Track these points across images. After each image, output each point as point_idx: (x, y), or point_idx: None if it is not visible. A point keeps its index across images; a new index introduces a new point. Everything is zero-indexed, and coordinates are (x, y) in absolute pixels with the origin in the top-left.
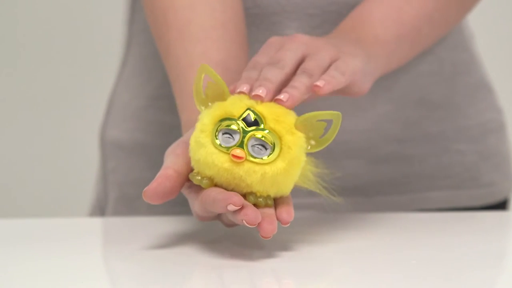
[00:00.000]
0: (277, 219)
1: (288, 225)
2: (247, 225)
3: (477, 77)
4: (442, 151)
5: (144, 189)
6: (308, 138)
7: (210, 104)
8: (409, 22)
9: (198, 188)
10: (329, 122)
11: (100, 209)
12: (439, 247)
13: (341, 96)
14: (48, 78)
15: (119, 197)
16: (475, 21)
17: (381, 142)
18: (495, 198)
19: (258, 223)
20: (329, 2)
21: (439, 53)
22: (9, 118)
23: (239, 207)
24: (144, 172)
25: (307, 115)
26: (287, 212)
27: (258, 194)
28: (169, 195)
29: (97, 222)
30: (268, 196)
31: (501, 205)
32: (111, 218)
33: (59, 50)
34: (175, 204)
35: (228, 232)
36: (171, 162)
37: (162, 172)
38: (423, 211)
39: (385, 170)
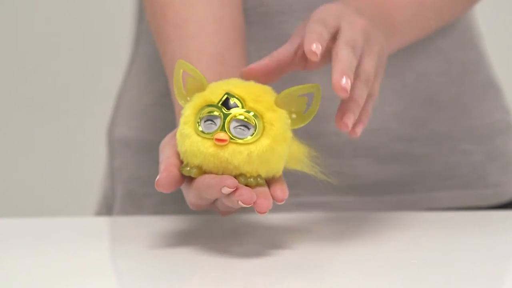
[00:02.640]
0: (272, 197)
1: (283, 202)
2: (243, 205)
3: (485, 77)
4: (449, 151)
5: (156, 180)
6: (290, 114)
7: (189, 99)
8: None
9: (191, 178)
10: (310, 96)
11: (107, 207)
12: (445, 246)
13: None
14: (57, 75)
15: (125, 195)
16: (484, 20)
17: (389, 141)
18: (503, 199)
19: (254, 202)
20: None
21: (447, 53)
22: (16, 116)
23: (234, 189)
24: (151, 169)
25: (286, 91)
26: (281, 190)
27: (248, 175)
28: (179, 182)
29: (104, 221)
30: (259, 175)
31: (509, 205)
32: (118, 217)
33: (68, 46)
34: (179, 202)
35: (232, 230)
36: (171, 153)
37: (167, 162)
38: (430, 211)
39: (392, 169)
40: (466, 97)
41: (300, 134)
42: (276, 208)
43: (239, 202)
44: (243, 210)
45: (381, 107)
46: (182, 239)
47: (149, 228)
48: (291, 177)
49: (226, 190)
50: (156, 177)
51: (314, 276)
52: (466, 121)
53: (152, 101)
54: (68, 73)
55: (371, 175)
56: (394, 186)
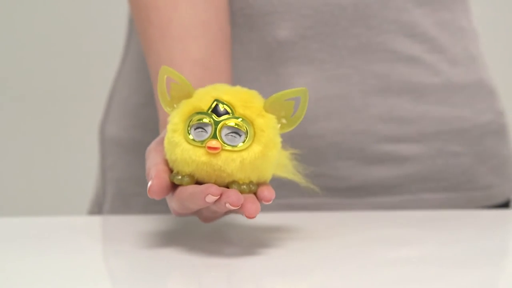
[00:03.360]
0: (259, 198)
1: (270, 202)
2: (230, 207)
3: (476, 78)
4: (437, 153)
5: (148, 187)
6: (279, 118)
7: (175, 105)
8: None
9: (174, 186)
10: (297, 100)
11: (98, 205)
12: (436, 244)
13: (333, 98)
14: (49, 74)
15: (116, 194)
16: (481, 21)
17: (374, 143)
18: (494, 201)
19: (241, 206)
20: (322, 2)
21: (436, 53)
22: (8, 115)
23: (218, 197)
24: (141, 169)
25: (274, 96)
26: (268, 190)
27: (241, 182)
28: (170, 189)
29: (94, 220)
30: (251, 182)
31: (501, 208)
32: (107, 216)
33: (60, 46)
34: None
35: (220, 230)
36: (158, 159)
37: (156, 168)
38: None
39: (378, 171)
40: (455, 98)
41: (284, 137)
42: (263, 209)
43: (227, 204)
44: (226, 215)
45: (366, 109)
46: (171, 238)
47: (138, 227)
48: (279, 179)
49: (210, 199)
50: (145, 177)
51: (297, 273)
52: (455, 122)
53: (143, 101)
54: (60, 72)
55: (357, 177)
56: (380, 188)
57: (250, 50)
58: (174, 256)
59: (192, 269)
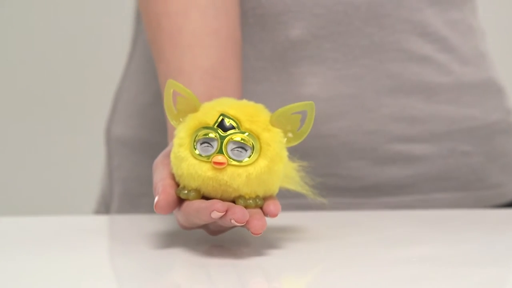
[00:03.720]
0: (265, 213)
1: (275, 217)
2: (236, 224)
3: (485, 77)
4: (447, 153)
5: (155, 203)
6: (285, 132)
7: (181, 119)
8: None
9: (181, 199)
10: (304, 113)
11: (105, 206)
12: (444, 244)
13: (345, 97)
14: (55, 74)
15: (123, 194)
16: (487, 20)
17: (386, 143)
18: (504, 199)
19: (248, 221)
20: (335, 1)
21: (447, 52)
22: (15, 115)
23: (223, 213)
24: (148, 169)
25: (281, 110)
26: (274, 205)
27: (247, 196)
28: (176, 204)
29: (102, 219)
30: (257, 196)
31: (509, 207)
32: (115, 216)
33: (67, 46)
34: None
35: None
36: (166, 173)
37: (164, 183)
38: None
39: (390, 171)
40: (465, 97)
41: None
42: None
43: (232, 221)
44: (233, 228)
45: (378, 108)
46: (178, 238)
47: (145, 227)
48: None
49: (216, 215)
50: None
51: (299, 271)
52: (465, 122)
53: (149, 101)
54: (67, 72)
55: (369, 177)
56: (392, 188)
57: (262, 49)
58: (181, 256)
59: (200, 268)
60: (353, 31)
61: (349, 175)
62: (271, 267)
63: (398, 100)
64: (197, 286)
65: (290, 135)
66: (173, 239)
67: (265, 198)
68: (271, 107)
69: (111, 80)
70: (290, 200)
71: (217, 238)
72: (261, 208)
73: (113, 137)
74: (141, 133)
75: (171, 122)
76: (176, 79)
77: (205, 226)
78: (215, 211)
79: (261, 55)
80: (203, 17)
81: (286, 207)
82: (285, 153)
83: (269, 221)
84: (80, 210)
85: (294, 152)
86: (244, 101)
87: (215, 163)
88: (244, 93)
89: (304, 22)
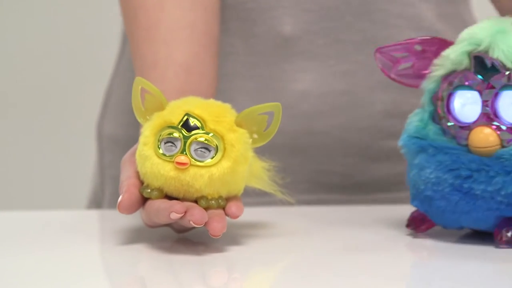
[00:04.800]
0: (226, 214)
1: (237, 219)
2: (194, 225)
3: None
4: None
5: (118, 202)
6: (251, 133)
7: (148, 117)
8: None
9: (145, 198)
10: (270, 114)
11: (96, 203)
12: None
13: (338, 93)
14: (47, 72)
15: (115, 192)
16: (482, 16)
17: (380, 139)
18: None
19: (207, 222)
20: None
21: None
22: (6, 112)
23: (182, 214)
24: None
25: (247, 110)
26: (236, 206)
27: (210, 197)
28: (141, 204)
29: (92, 214)
30: (220, 197)
31: None
32: (105, 211)
33: (58, 45)
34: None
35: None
36: (131, 171)
37: (128, 182)
38: None
39: (384, 167)
40: None
41: (289, 133)
42: (267, 203)
43: (191, 222)
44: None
45: (372, 105)
46: (168, 234)
47: (135, 223)
48: (281, 176)
49: (175, 216)
50: None
51: (261, 267)
52: None
53: None
54: (57, 70)
55: (362, 174)
56: (387, 184)
57: (254, 45)
58: (146, 251)
59: (164, 263)
60: (345, 27)
61: (342, 172)
62: (235, 261)
63: (391, 96)
64: (160, 279)
65: (255, 136)
66: (163, 235)
67: (228, 199)
68: (263, 103)
69: (102, 77)
70: (260, 198)
71: (202, 233)
72: (224, 208)
73: (104, 134)
74: (132, 131)
75: (138, 119)
76: (150, 74)
77: (169, 225)
78: (173, 212)
79: (253, 51)
80: (179, 10)
81: (256, 205)
82: (250, 154)
83: (237, 218)
84: (71, 208)
85: (285, 149)
86: (211, 101)
87: (177, 163)
88: (235, 89)
89: (295, 17)
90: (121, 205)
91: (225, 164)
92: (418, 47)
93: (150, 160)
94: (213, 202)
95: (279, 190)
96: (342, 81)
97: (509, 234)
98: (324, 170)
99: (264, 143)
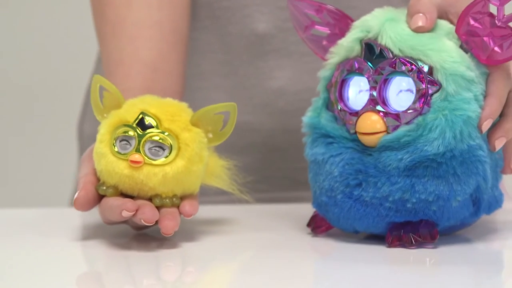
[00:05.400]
0: (180, 212)
1: (190, 217)
2: (145, 223)
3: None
4: None
5: (74, 198)
6: (207, 133)
7: (105, 115)
8: None
9: (102, 196)
10: (226, 114)
11: None
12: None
13: (314, 91)
14: (28, 71)
15: None
16: None
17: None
18: None
19: (160, 220)
20: None
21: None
22: None
23: (133, 212)
24: None
25: (202, 110)
26: (190, 205)
27: (164, 196)
28: (97, 201)
29: (73, 212)
30: (175, 195)
31: None
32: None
33: (38, 43)
34: None
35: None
36: (89, 169)
37: (85, 180)
38: None
39: None
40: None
41: (266, 131)
42: (229, 202)
43: (142, 220)
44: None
45: None
46: (120, 231)
47: (68, 220)
48: (259, 174)
49: (126, 214)
50: None
51: (215, 262)
52: None
53: None
54: (40, 70)
55: None
56: None
57: (229, 43)
58: (102, 248)
59: (119, 258)
60: None
61: None
62: (190, 256)
63: None
64: (116, 275)
65: (210, 135)
66: (97, 231)
67: (183, 197)
68: (239, 101)
69: (82, 77)
70: (259, 194)
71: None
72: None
73: (85, 134)
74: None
75: (97, 117)
76: (115, 71)
77: (125, 222)
78: (125, 210)
79: (228, 49)
80: (146, 8)
81: (217, 203)
82: (205, 153)
83: (191, 217)
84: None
85: (262, 147)
86: (168, 100)
87: (131, 161)
88: (211, 87)
89: (269, 15)
90: (77, 202)
91: (179, 163)
92: (328, 18)
93: (105, 157)
94: (167, 200)
95: (238, 188)
96: (317, 78)
97: (398, 241)
98: (302, 167)
99: (219, 142)
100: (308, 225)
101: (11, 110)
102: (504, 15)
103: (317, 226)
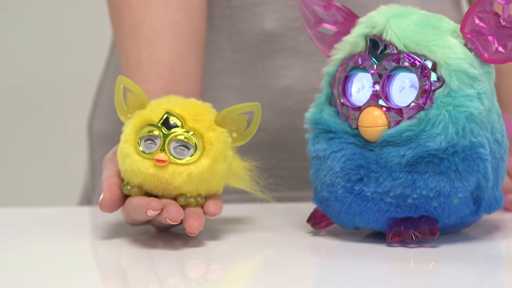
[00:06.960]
0: (205, 212)
1: (215, 217)
2: (170, 222)
3: None
4: None
5: (100, 200)
6: (231, 132)
7: (129, 115)
8: None
9: (126, 197)
10: (250, 114)
11: (87, 200)
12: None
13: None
14: (37, 69)
15: None
16: None
17: None
18: None
19: (184, 220)
20: None
21: None
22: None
23: (159, 212)
24: None
25: (227, 109)
26: (214, 204)
27: (188, 195)
28: (122, 201)
29: (84, 211)
30: (199, 195)
31: None
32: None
33: (48, 41)
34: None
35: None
36: (113, 170)
37: (109, 181)
38: None
39: None
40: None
41: (274, 130)
42: (250, 200)
43: (167, 219)
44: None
45: None
46: (144, 230)
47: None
48: (267, 172)
49: (151, 213)
50: None
51: (238, 260)
52: None
53: None
54: (50, 68)
55: None
56: None
57: (238, 41)
58: (126, 246)
59: (144, 255)
60: None
61: None
62: (214, 254)
63: None
64: (140, 272)
65: (234, 135)
66: (152, 230)
67: (207, 197)
68: (247, 100)
69: (93, 74)
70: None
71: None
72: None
73: (95, 131)
74: (121, 128)
75: (120, 117)
76: (134, 74)
77: (149, 222)
78: (150, 209)
79: (237, 48)
80: (164, 9)
81: (239, 202)
82: (229, 153)
83: (215, 217)
84: (64, 205)
85: (269, 146)
86: (192, 100)
87: (157, 160)
88: (220, 86)
89: (278, 14)
90: (103, 203)
91: (204, 162)
92: (336, 15)
93: (130, 157)
94: (191, 200)
95: (260, 189)
96: None
97: (398, 237)
98: (307, 167)
99: (243, 142)
100: (308, 221)
101: (20, 108)
102: (510, 14)
103: (317, 222)
